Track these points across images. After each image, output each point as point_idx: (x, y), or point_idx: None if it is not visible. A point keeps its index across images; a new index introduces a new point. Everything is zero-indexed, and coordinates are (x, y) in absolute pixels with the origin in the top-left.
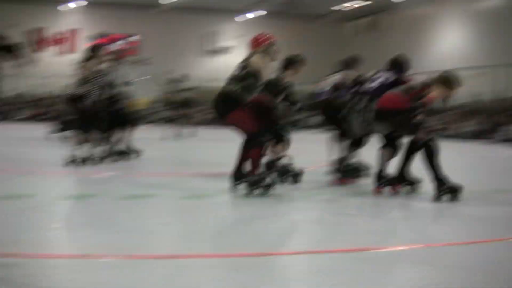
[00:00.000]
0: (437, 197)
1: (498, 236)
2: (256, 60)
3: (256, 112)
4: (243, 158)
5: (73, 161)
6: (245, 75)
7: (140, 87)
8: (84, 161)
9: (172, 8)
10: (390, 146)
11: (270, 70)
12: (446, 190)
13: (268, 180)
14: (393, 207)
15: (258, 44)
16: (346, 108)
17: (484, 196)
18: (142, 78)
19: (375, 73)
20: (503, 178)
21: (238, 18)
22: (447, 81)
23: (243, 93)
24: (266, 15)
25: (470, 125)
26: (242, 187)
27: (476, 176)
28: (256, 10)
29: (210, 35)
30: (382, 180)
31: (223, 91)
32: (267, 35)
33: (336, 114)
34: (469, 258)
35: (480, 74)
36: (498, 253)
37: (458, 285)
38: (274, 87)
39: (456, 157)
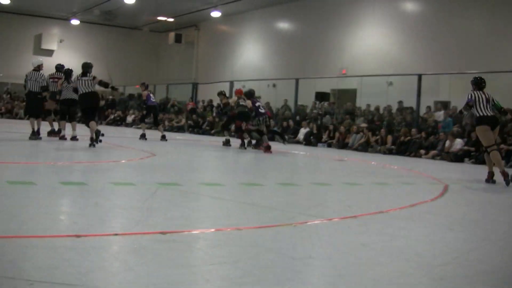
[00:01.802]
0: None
1: (278, 222)
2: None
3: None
4: (239, 136)
5: None
6: (241, 105)
7: None
8: None
9: (5, 10)
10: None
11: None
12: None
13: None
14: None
15: (240, 93)
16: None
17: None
18: None
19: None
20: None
21: (63, 24)
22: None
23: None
24: (89, 23)
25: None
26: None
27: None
28: (79, 18)
29: (37, 38)
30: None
31: (240, 110)
32: (240, 89)
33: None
34: (260, 239)
35: (270, 86)
36: (279, 237)
37: (248, 262)
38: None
39: (249, 154)
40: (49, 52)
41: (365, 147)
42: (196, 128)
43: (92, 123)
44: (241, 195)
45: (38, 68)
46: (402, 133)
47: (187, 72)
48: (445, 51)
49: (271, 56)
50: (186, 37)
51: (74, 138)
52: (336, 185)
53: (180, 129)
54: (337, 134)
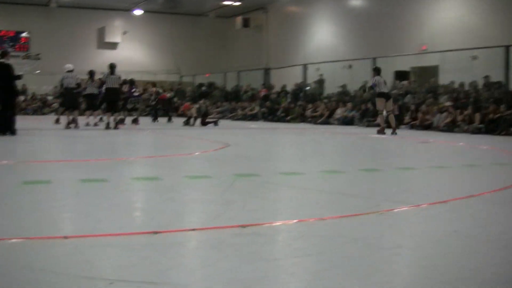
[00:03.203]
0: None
1: (363, 211)
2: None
3: None
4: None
5: None
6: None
7: (32, 81)
8: None
9: (62, 5)
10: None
11: None
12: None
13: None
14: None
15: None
16: None
17: (350, 175)
18: (34, 72)
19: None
20: (369, 159)
21: (133, 13)
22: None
23: None
24: (156, 11)
25: (339, 113)
26: None
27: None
28: (142, 8)
29: (100, 31)
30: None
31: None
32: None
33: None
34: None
35: (346, 67)
36: (364, 226)
37: (334, 253)
38: None
39: (328, 140)
40: (113, 45)
41: (450, 127)
42: (271, 115)
43: (116, 114)
44: (322, 184)
45: (72, 70)
46: (490, 110)
47: (257, 58)
48: None
49: (345, 36)
50: (254, 21)
51: (95, 124)
52: (422, 169)
53: (254, 117)
54: (419, 115)
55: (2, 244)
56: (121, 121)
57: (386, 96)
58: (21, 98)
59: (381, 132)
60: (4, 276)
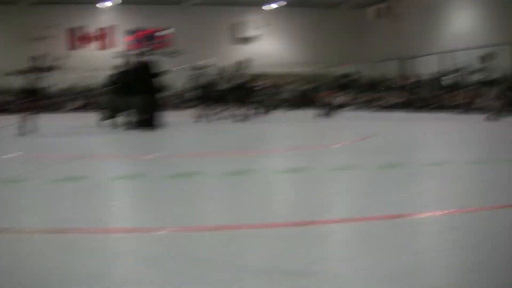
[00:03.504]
0: None
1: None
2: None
3: None
4: None
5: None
6: None
7: (176, 76)
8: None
9: (201, 2)
10: None
11: None
12: None
13: None
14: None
15: None
16: None
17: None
18: (178, 68)
19: None
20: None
21: (263, 8)
22: None
23: None
24: (287, 5)
25: (480, 102)
26: None
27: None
28: (279, 0)
29: (239, 25)
30: None
31: None
32: None
33: None
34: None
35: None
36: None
37: (485, 247)
38: None
39: (469, 129)
40: (247, 40)
41: None
42: (408, 105)
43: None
44: (466, 174)
45: (205, 67)
46: None
47: (392, 47)
48: None
49: (483, 21)
50: (388, 10)
51: (227, 118)
52: None
53: (391, 108)
54: None
55: (155, 234)
56: (249, 114)
57: (489, 84)
58: (163, 94)
59: (487, 118)
60: (159, 264)
